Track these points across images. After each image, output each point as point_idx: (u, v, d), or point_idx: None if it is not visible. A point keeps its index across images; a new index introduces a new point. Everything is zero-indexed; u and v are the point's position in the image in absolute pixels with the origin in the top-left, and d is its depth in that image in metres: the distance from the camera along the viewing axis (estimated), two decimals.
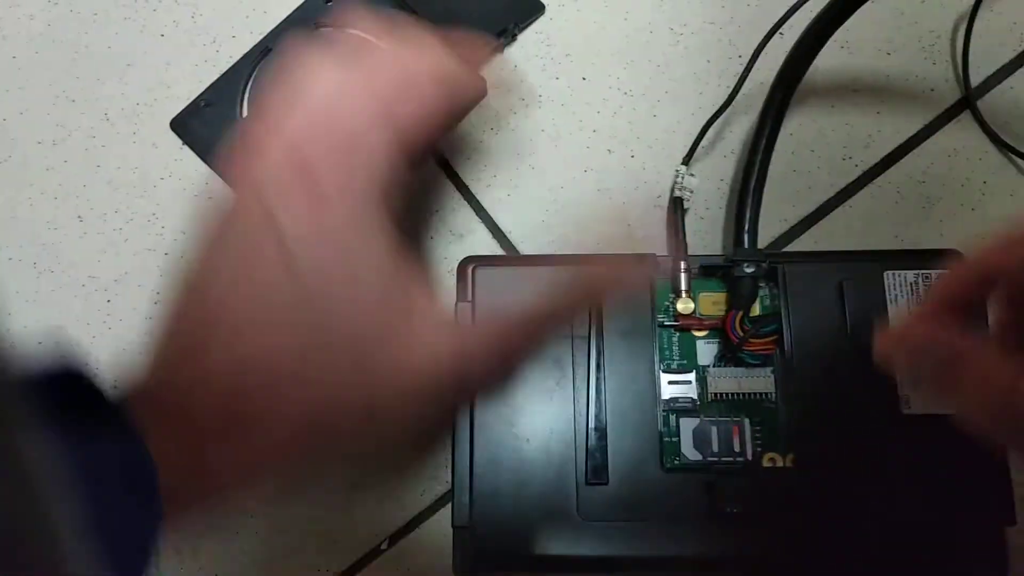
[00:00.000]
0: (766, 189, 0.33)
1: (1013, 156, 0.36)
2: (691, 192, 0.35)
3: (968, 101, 0.37)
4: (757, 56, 0.34)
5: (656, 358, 0.28)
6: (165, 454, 0.20)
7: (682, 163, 0.35)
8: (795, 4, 0.33)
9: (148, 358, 0.22)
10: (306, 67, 0.23)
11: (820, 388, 0.27)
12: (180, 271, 0.23)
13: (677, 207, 0.34)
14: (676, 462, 0.27)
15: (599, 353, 0.28)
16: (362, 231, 0.21)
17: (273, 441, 0.21)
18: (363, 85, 0.22)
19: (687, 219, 0.35)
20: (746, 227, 0.32)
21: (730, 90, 0.35)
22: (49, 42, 0.41)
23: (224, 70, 0.39)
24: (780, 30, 0.34)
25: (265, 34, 0.40)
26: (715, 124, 0.35)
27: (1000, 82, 0.37)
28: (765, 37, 0.34)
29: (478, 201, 0.37)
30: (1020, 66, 0.38)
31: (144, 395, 0.22)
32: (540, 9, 0.38)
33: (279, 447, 0.21)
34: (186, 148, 0.38)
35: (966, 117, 0.37)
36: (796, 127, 0.37)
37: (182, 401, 0.21)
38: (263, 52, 0.39)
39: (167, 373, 0.22)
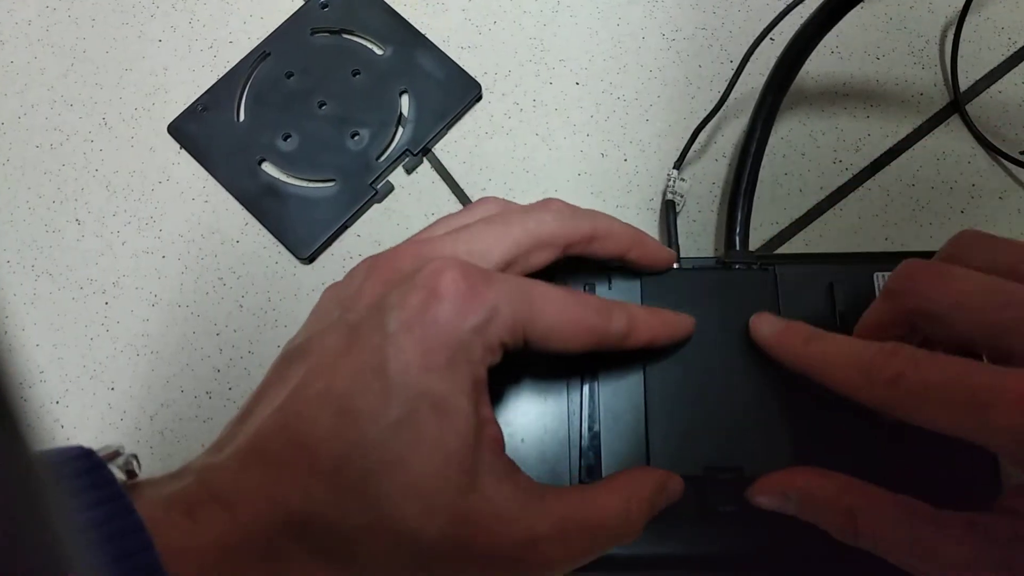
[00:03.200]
0: (757, 192, 0.34)
1: (1001, 159, 0.36)
2: (682, 196, 0.35)
3: (957, 105, 0.37)
4: (747, 60, 0.34)
5: (646, 359, 0.28)
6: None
7: (674, 167, 0.35)
8: (784, 9, 0.34)
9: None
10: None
11: (811, 388, 0.28)
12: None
13: (669, 210, 0.34)
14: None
15: (593, 353, 0.28)
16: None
17: None
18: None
19: (679, 222, 0.35)
20: (737, 229, 0.33)
21: (721, 94, 0.35)
22: (47, 47, 0.41)
23: (221, 75, 0.40)
24: (770, 35, 0.34)
25: (262, 39, 0.40)
26: (706, 128, 0.36)
27: (988, 86, 0.38)
28: (755, 42, 0.34)
29: None
30: (1008, 70, 0.38)
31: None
32: (478, 93, 0.39)
33: None
34: (184, 152, 0.39)
35: (955, 121, 0.37)
36: (787, 131, 0.37)
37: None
38: (260, 57, 0.40)
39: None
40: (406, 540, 0.20)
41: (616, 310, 0.25)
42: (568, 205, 0.26)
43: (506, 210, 0.26)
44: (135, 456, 0.22)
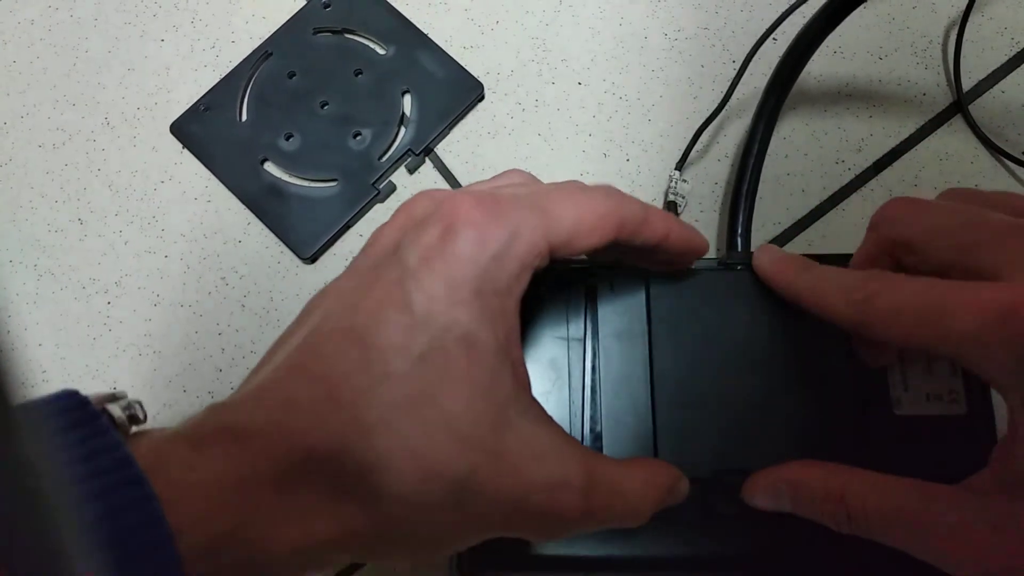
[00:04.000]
0: (759, 192, 0.34)
1: (1004, 160, 0.36)
2: (684, 197, 0.35)
3: (960, 105, 0.37)
4: (749, 61, 0.34)
5: (652, 361, 0.28)
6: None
7: (675, 168, 0.35)
8: (787, 10, 0.34)
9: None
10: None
11: (813, 389, 0.28)
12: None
13: (671, 211, 0.34)
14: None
15: (594, 355, 0.28)
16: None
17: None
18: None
19: None
20: (739, 230, 0.33)
21: (723, 95, 0.35)
22: (49, 47, 0.41)
23: (224, 74, 0.40)
24: (773, 35, 0.34)
25: (265, 39, 0.40)
26: (708, 129, 0.36)
27: (991, 87, 0.38)
28: (758, 42, 0.34)
29: None
30: (1011, 71, 0.38)
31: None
32: (480, 92, 0.39)
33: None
34: (186, 151, 0.39)
35: (958, 121, 0.37)
36: (789, 131, 0.37)
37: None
38: (263, 56, 0.40)
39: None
40: (437, 475, 0.19)
41: (627, 196, 0.24)
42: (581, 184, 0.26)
43: (532, 180, 0.26)
44: (139, 403, 0.21)
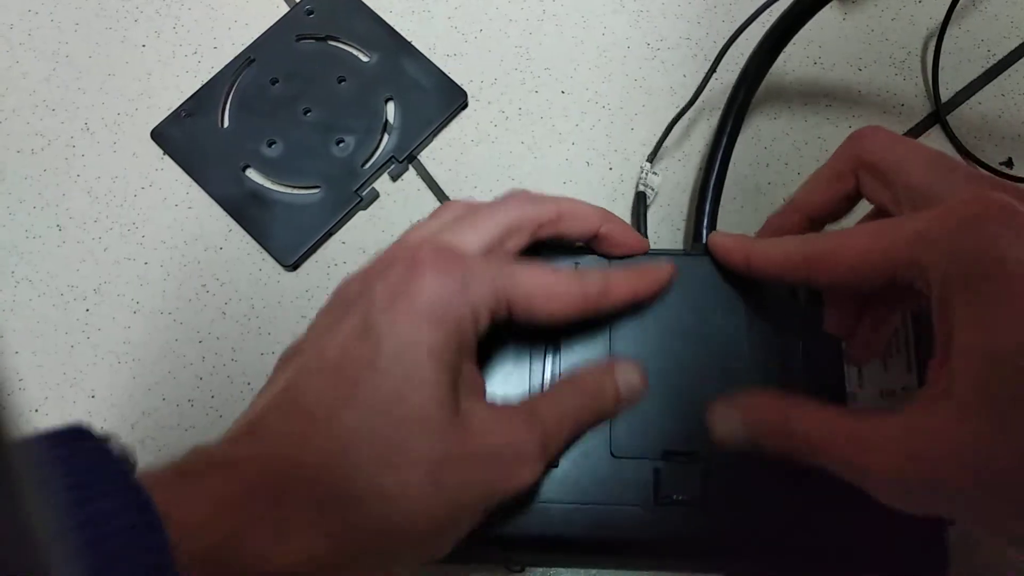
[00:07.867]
0: (739, 202, 0.34)
1: (981, 170, 0.37)
2: (654, 189, 0.35)
3: (938, 116, 0.38)
4: (724, 52, 0.34)
5: (610, 344, 0.29)
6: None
7: (647, 160, 0.35)
8: (761, 6, 0.34)
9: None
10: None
11: (768, 381, 0.28)
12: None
13: (639, 202, 0.34)
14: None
15: (555, 337, 0.29)
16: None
17: None
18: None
19: (649, 224, 0.35)
20: (705, 221, 0.33)
21: (695, 91, 0.35)
22: (29, 51, 0.41)
23: (206, 80, 0.39)
24: (744, 34, 0.34)
25: (247, 45, 0.40)
26: (678, 136, 0.36)
27: (968, 98, 0.38)
28: (732, 36, 0.34)
29: None
30: (988, 82, 0.39)
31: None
32: (463, 101, 0.39)
33: None
34: (167, 158, 0.38)
35: (936, 131, 0.38)
36: (769, 140, 0.38)
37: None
38: (245, 62, 0.39)
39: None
40: (413, 463, 0.21)
41: (588, 272, 0.27)
42: (533, 193, 0.28)
43: (474, 206, 0.27)
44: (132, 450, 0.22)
